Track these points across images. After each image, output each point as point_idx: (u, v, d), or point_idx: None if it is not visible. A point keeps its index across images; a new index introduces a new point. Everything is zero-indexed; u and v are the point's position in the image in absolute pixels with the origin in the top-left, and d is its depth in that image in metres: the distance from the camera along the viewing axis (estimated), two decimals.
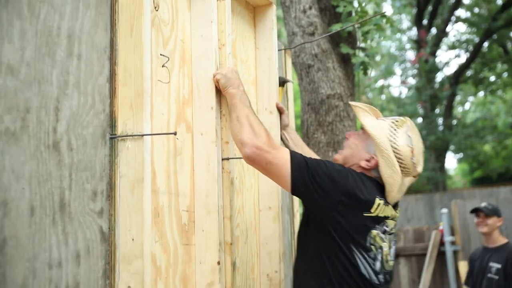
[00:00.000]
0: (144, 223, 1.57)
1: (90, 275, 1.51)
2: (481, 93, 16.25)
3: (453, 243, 5.81)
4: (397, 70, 15.64)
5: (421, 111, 13.61)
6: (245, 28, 2.47)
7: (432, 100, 13.07)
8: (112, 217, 1.60)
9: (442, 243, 5.86)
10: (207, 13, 2.07)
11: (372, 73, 14.98)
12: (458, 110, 18.93)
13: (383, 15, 3.41)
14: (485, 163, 17.19)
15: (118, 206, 1.60)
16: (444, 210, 5.84)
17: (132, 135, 1.62)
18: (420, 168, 2.01)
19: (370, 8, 3.57)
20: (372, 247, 1.89)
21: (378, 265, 1.90)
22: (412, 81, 14.71)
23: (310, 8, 3.47)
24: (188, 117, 2.01)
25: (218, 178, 1.96)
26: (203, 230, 1.94)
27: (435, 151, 12.77)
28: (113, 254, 1.58)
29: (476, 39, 13.86)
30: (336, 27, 3.37)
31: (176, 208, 1.88)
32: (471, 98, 19.20)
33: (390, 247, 1.97)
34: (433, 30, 14.52)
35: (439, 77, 14.32)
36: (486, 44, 13.57)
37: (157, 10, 1.90)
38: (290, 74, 3.16)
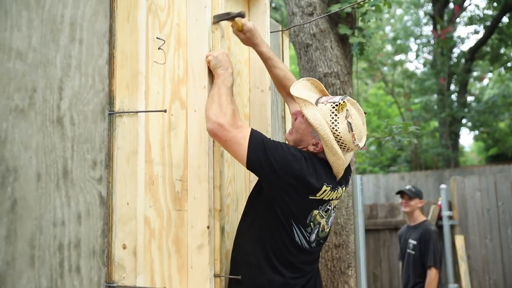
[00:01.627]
0: (138, 189, 1.79)
1: (90, 233, 1.74)
2: (501, 70, 16.10)
3: (450, 217, 5.99)
4: (413, 45, 15.56)
5: (436, 87, 13.58)
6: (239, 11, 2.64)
7: (448, 76, 13.04)
8: (110, 184, 1.82)
9: (440, 218, 6.06)
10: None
11: (386, 47, 14.94)
12: (477, 86, 18.80)
13: None
14: (500, 140, 17.15)
15: (115, 175, 1.82)
16: (443, 186, 5.99)
17: (128, 112, 1.83)
18: (362, 143, 2.13)
19: None
20: (311, 223, 2.10)
21: (313, 237, 2.12)
22: (428, 56, 14.65)
23: None
24: (182, 95, 2.21)
25: (209, 151, 2.17)
26: (194, 197, 2.16)
27: (448, 128, 12.79)
28: (110, 216, 1.81)
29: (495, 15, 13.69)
30: (334, 8, 3.52)
31: (170, 177, 2.09)
32: (490, 75, 19.02)
33: (328, 219, 2.16)
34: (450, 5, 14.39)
35: (455, 53, 14.23)
36: (505, 19, 13.41)
37: None
38: (287, 54, 3.34)
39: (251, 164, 2.02)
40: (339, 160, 2.09)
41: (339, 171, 2.13)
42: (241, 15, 2.30)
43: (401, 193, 4.92)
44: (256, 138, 2.02)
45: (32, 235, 1.54)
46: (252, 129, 2.05)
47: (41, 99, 1.60)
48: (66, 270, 1.64)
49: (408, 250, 4.77)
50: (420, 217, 4.90)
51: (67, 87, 1.70)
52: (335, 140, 2.06)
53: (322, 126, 2.05)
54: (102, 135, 1.83)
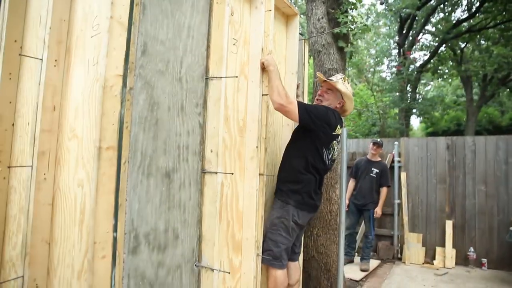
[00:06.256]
0: (220, 121, 1.92)
1: (194, 143, 1.88)
2: (439, 80, 15.32)
3: (399, 161, 5.89)
4: (385, 61, 14.94)
5: (398, 87, 13.06)
6: (280, 27, 2.69)
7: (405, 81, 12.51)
8: (204, 117, 1.96)
9: (392, 162, 5.98)
10: (259, 18, 2.31)
11: (368, 61, 14.41)
12: (425, 89, 18.02)
13: (364, 25, 3.49)
14: (435, 123, 16.56)
15: (208, 112, 1.95)
16: (396, 143, 5.93)
17: (216, 77, 1.95)
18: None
19: (359, 16, 3.63)
20: (331, 147, 2.28)
21: (330, 156, 2.31)
22: (394, 69, 14.06)
23: (322, 18, 3.59)
24: (245, 72, 2.30)
25: (260, 104, 2.27)
26: (250, 130, 2.27)
27: (404, 114, 12.40)
28: (204, 134, 1.95)
29: (436, 45, 13.01)
30: (336, 30, 3.50)
31: (236, 117, 2.21)
32: (431, 82, 18.17)
33: (336, 149, 2.35)
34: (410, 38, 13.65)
35: (411, 67, 13.60)
36: (442, 48, 12.76)
37: (232, 15, 2.17)
38: (307, 56, 3.36)
39: (302, 120, 2.19)
40: (351, 103, 2.34)
41: (350, 109, 2.35)
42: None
43: (376, 143, 5.10)
44: (302, 106, 2.19)
45: (165, 139, 1.71)
46: (298, 101, 2.22)
47: (171, 67, 1.74)
48: (181, 159, 1.81)
49: (371, 174, 4.92)
50: (378, 158, 5.12)
51: (184, 61, 1.83)
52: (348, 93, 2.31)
53: (343, 88, 2.34)
54: (202, 90, 1.96)
